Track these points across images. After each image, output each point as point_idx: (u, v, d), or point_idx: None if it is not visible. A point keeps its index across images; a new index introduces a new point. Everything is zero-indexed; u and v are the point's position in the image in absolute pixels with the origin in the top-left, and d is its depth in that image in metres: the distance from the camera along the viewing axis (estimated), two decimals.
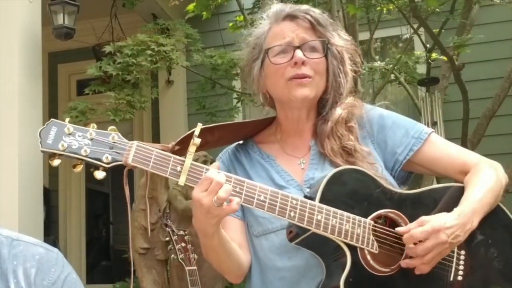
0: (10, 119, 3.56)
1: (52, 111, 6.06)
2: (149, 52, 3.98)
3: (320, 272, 1.42)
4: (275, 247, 1.49)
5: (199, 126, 1.34)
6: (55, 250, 1.27)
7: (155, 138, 5.70)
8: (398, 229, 1.40)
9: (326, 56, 1.54)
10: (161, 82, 5.53)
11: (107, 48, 4.16)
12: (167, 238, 3.34)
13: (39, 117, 3.74)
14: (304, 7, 1.58)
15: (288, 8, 1.58)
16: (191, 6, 4.51)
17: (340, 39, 1.58)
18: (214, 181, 1.30)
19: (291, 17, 1.55)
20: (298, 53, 1.50)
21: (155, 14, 5.18)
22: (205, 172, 1.33)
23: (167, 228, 3.35)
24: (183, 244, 3.24)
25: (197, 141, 1.33)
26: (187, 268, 3.19)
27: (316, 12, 1.57)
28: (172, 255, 3.28)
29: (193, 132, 1.35)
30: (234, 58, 4.26)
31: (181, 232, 3.29)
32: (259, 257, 1.53)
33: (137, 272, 3.61)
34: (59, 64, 6.36)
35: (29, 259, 1.21)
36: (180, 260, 3.22)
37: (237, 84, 4.92)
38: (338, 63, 1.56)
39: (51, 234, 5.80)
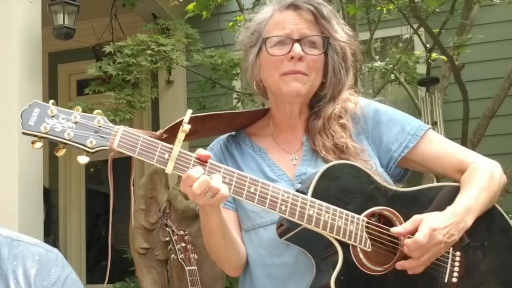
0: (10, 119, 3.56)
1: None
2: (149, 52, 3.99)
3: (310, 270, 1.38)
4: (264, 243, 1.44)
5: (189, 112, 1.28)
6: (55, 250, 1.27)
7: None
8: (393, 229, 1.36)
9: (326, 52, 1.48)
10: (161, 82, 5.52)
11: (107, 48, 4.16)
12: (167, 238, 3.34)
13: None
14: None
15: None
16: (191, 6, 4.50)
17: (343, 34, 1.52)
18: (198, 180, 1.25)
19: (294, 6, 1.48)
20: (297, 48, 1.44)
21: (155, 14, 5.18)
22: (194, 161, 1.27)
23: (167, 228, 3.35)
24: (183, 244, 3.23)
25: (186, 127, 1.26)
26: (187, 268, 3.19)
27: (321, 3, 1.50)
28: (172, 255, 3.28)
29: (182, 120, 1.29)
30: (234, 58, 4.27)
31: (181, 232, 3.28)
32: (248, 253, 1.49)
33: (137, 272, 3.61)
34: (59, 64, 6.35)
35: (29, 260, 1.21)
36: (180, 260, 3.22)
37: (237, 84, 4.91)
38: (339, 59, 1.50)
39: (51, 234, 5.79)
